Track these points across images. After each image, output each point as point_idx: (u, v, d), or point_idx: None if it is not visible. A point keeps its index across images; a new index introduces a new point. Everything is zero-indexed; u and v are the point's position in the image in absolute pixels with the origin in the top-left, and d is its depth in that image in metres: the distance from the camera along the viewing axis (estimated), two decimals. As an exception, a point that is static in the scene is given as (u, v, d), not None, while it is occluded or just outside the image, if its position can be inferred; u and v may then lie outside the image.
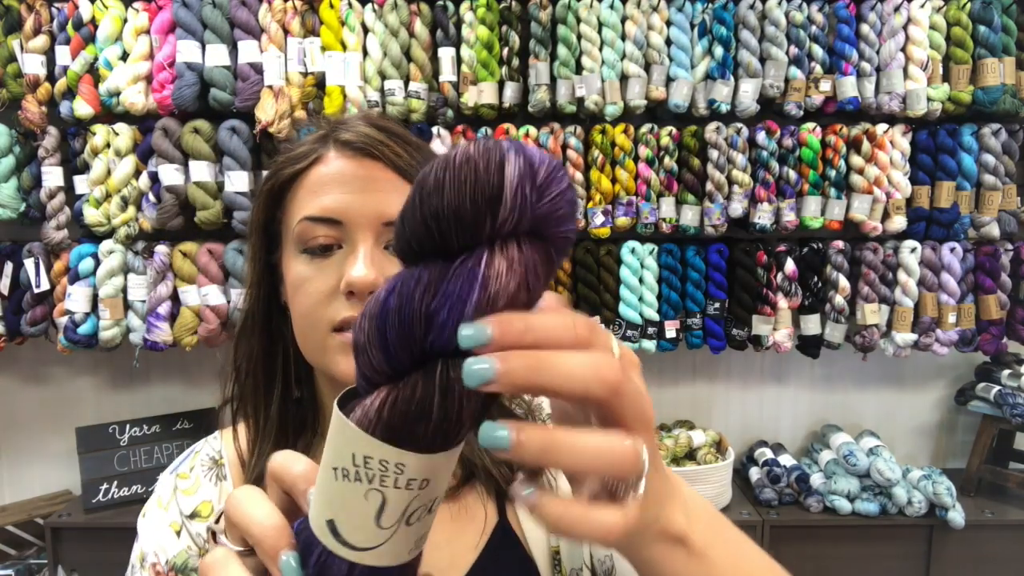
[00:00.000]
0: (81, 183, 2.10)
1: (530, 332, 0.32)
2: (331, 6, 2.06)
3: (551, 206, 0.34)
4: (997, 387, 2.22)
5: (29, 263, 2.11)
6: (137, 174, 2.08)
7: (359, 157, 0.65)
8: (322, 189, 0.64)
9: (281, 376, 0.72)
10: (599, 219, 2.12)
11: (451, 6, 2.10)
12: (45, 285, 2.12)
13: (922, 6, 2.11)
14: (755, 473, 2.26)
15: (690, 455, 2.17)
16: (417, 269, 0.34)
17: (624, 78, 2.10)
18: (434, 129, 2.11)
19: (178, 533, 0.71)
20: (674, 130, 2.13)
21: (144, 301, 2.11)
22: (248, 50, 2.04)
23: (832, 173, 2.14)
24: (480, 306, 0.32)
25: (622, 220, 2.13)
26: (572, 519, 0.35)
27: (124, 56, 2.05)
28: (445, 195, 0.32)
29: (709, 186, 2.13)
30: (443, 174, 0.32)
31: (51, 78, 2.09)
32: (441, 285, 0.33)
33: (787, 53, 2.10)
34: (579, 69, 2.10)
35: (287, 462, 0.40)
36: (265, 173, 0.72)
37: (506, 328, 0.32)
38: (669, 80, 2.11)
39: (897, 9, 2.11)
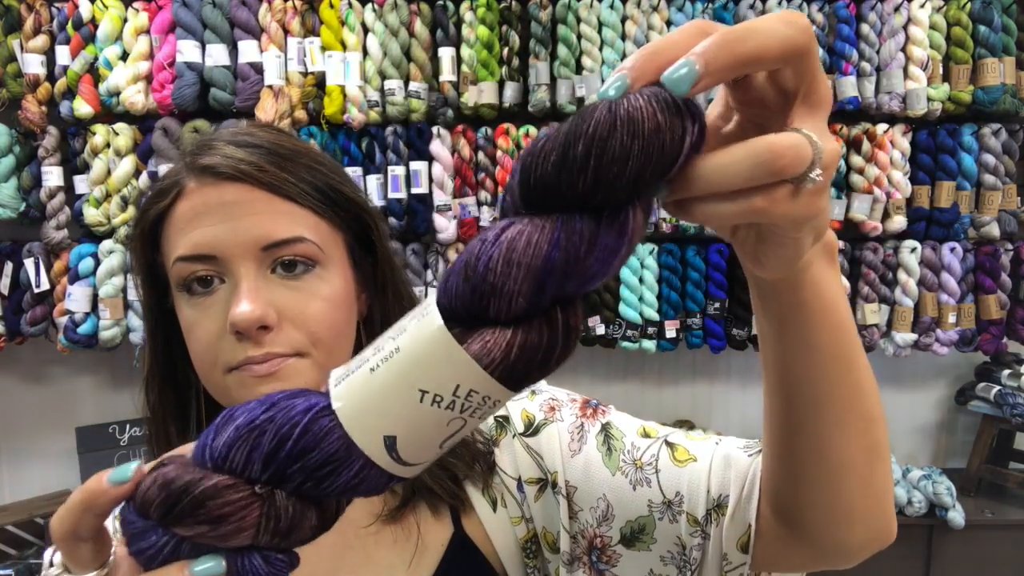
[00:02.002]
0: (81, 183, 2.10)
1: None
2: (331, 6, 2.06)
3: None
4: (997, 387, 2.22)
5: (29, 263, 2.11)
6: (137, 174, 2.08)
7: (221, 183, 0.59)
8: (189, 225, 0.59)
9: (195, 425, 0.68)
10: (599, 219, 2.12)
11: (451, 6, 2.10)
12: (45, 285, 2.12)
13: (922, 6, 2.11)
14: (755, 473, 2.26)
15: (690, 455, 2.17)
16: (572, 221, 0.34)
17: (624, 78, 2.10)
18: (434, 129, 2.11)
19: None
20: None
21: (144, 301, 2.11)
22: (248, 50, 2.04)
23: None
24: (623, 261, 0.35)
25: (622, 220, 2.13)
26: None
27: (124, 56, 2.05)
28: (632, 159, 0.33)
29: (709, 186, 2.13)
30: (629, 140, 0.33)
31: (51, 78, 2.09)
32: (596, 239, 0.34)
33: (787, 53, 2.10)
34: (579, 69, 2.10)
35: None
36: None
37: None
38: (669, 80, 2.11)
39: (897, 9, 2.11)
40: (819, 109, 0.37)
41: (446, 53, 2.09)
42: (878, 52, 2.12)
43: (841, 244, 2.18)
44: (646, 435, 0.66)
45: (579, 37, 2.09)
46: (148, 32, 2.05)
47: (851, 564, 0.55)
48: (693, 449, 0.63)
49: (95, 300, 2.10)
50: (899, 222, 2.16)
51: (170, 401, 0.67)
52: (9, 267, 2.13)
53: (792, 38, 0.34)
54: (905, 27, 2.11)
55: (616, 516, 0.64)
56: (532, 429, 0.69)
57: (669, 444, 0.64)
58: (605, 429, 0.67)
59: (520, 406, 0.71)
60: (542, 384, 0.74)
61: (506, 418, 0.71)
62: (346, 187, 0.64)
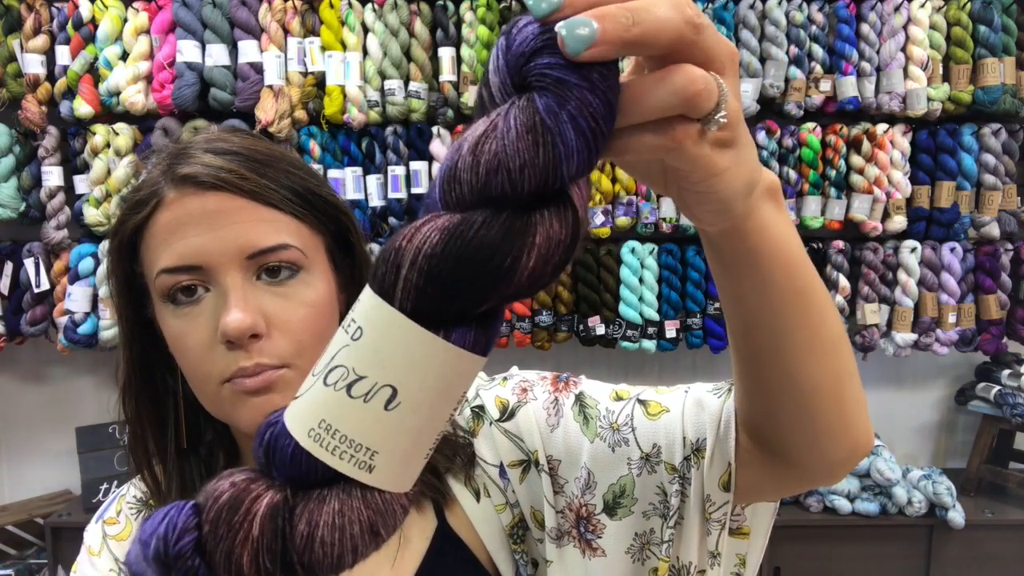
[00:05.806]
0: (81, 183, 2.10)
1: None
2: (331, 6, 2.06)
3: None
4: (997, 387, 2.22)
5: (29, 263, 2.11)
6: (137, 174, 2.07)
7: (202, 192, 0.58)
8: (171, 236, 0.58)
9: (174, 433, 0.68)
10: (599, 219, 2.12)
11: (451, 6, 2.10)
12: (45, 285, 2.12)
13: (922, 6, 2.11)
14: (755, 473, 2.26)
15: (690, 455, 2.17)
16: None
17: (624, 78, 2.10)
18: (434, 129, 2.11)
19: None
20: (674, 130, 2.13)
21: (144, 301, 2.11)
22: (248, 50, 2.04)
23: (832, 173, 2.14)
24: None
25: (622, 220, 2.13)
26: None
27: (124, 56, 2.05)
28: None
29: (709, 186, 2.13)
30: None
31: (51, 78, 2.09)
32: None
33: (787, 53, 2.10)
34: (579, 69, 2.10)
35: None
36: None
37: None
38: (669, 80, 2.11)
39: (897, 9, 2.11)
40: (727, 69, 0.36)
41: (446, 53, 2.09)
42: (878, 52, 2.12)
43: (841, 244, 2.18)
44: (619, 398, 0.67)
45: (579, 37, 2.09)
46: (148, 32, 2.05)
47: (837, 480, 0.57)
48: (665, 401, 0.65)
49: (95, 300, 2.10)
50: (899, 222, 2.16)
51: (147, 411, 0.67)
52: (9, 267, 2.13)
53: (679, 32, 0.33)
54: (905, 27, 2.11)
55: (599, 483, 0.65)
56: (507, 413, 0.70)
57: (641, 402, 0.66)
58: (579, 399, 0.68)
59: (493, 393, 0.71)
60: (513, 369, 0.76)
61: (481, 407, 0.71)
62: (324, 190, 0.65)
